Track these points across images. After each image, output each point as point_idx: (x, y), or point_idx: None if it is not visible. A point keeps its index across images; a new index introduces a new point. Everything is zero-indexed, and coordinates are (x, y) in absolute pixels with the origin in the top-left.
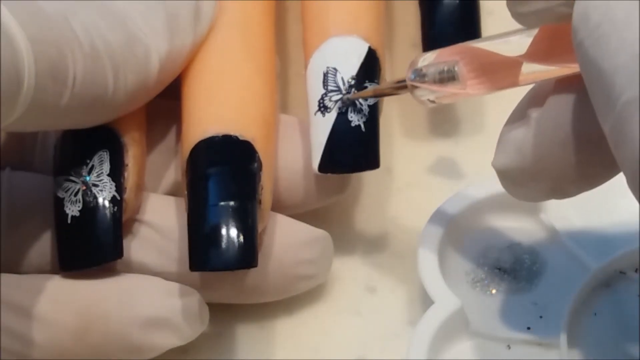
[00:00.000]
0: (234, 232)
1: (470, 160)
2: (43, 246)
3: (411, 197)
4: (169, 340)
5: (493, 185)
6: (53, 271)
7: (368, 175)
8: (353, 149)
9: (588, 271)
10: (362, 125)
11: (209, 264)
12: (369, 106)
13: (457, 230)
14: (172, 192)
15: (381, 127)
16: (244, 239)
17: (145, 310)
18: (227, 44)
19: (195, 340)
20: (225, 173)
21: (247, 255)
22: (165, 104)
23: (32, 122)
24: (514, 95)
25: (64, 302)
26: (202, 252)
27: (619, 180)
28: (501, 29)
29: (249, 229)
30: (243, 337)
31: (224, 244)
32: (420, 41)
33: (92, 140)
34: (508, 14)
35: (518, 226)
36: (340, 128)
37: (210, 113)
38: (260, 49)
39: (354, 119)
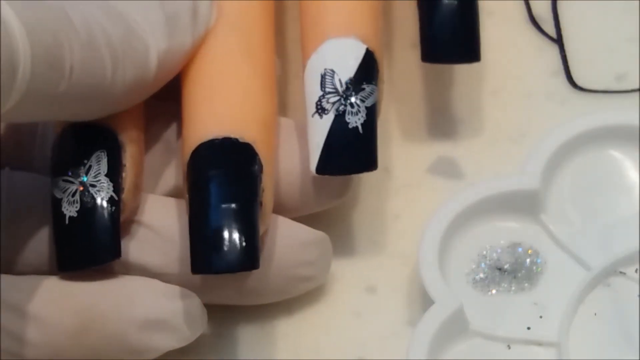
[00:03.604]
0: (236, 234)
1: (470, 160)
2: (41, 247)
3: (411, 197)
4: (167, 342)
5: (493, 185)
6: (51, 272)
7: (367, 176)
8: (351, 150)
9: (588, 271)
10: (360, 127)
11: (212, 266)
12: (366, 108)
13: (457, 230)
14: (171, 195)
15: (380, 128)
16: (246, 241)
17: (143, 311)
18: (226, 45)
19: (194, 342)
20: (226, 175)
21: (249, 257)
22: (164, 105)
23: (28, 112)
24: (515, 95)
25: (61, 303)
26: (205, 254)
27: (620, 180)
28: (501, 29)
29: (251, 231)
30: (243, 338)
31: (226, 247)
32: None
33: (89, 140)
34: (508, 14)
35: (518, 226)
36: (338, 130)
37: (210, 115)
38: (260, 50)
39: (352, 120)
